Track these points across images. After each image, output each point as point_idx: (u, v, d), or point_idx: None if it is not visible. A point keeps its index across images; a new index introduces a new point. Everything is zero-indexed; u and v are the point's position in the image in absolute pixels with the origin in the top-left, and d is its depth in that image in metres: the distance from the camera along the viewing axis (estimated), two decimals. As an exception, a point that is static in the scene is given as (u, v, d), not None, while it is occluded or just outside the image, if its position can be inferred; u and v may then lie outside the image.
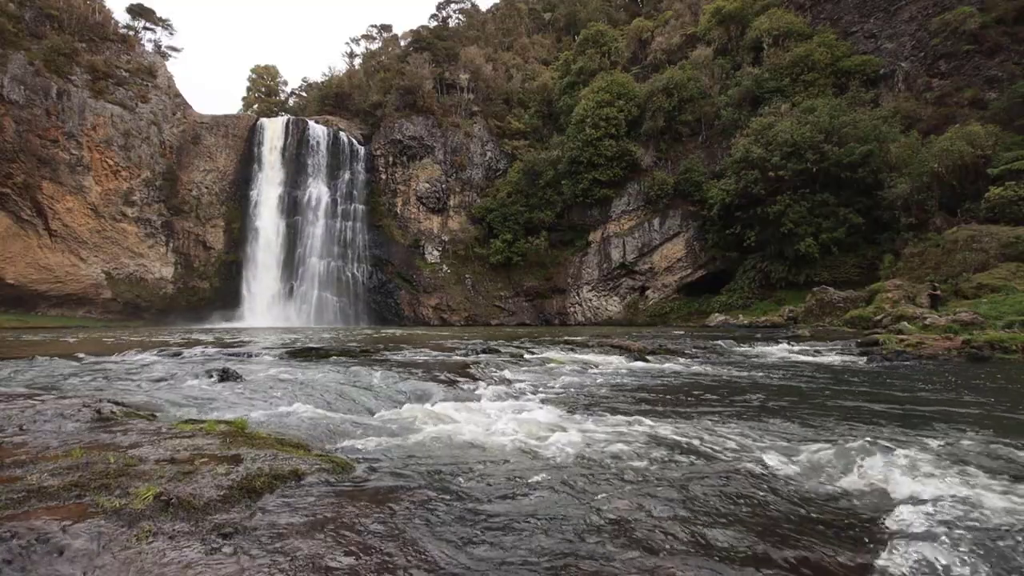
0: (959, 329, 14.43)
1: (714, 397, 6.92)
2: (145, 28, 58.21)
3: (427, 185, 55.49)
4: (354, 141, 56.34)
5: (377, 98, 58.78)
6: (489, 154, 57.94)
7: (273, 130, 54.46)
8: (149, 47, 57.31)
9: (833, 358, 12.16)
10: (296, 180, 53.25)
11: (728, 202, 40.29)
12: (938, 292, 21.44)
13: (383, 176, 55.99)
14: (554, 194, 51.00)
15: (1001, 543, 2.38)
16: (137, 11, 56.95)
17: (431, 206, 55.38)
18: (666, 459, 3.77)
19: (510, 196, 52.97)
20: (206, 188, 52.63)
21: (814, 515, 2.77)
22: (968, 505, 2.79)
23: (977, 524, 2.57)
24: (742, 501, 2.90)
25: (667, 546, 2.35)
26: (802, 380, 8.66)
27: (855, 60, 41.20)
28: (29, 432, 3.57)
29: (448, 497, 2.89)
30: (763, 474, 3.39)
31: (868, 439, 4.38)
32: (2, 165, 42.22)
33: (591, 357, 11.73)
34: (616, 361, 11.30)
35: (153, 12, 58.67)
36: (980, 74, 35.14)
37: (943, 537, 2.44)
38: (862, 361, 11.51)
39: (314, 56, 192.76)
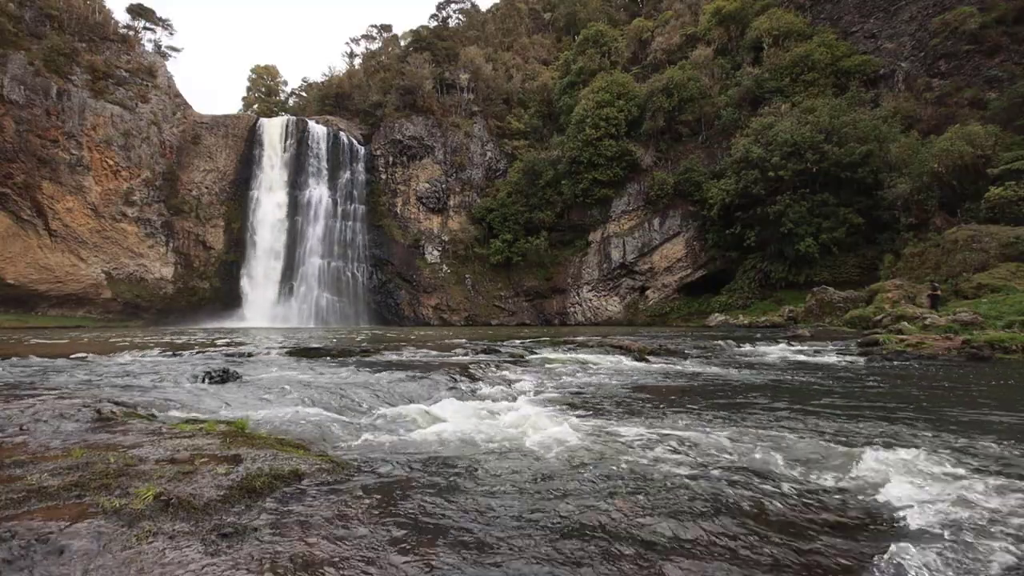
0: (959, 329, 14.43)
1: (713, 397, 6.93)
2: (145, 28, 58.25)
3: (427, 185, 55.49)
4: (354, 141, 56.35)
5: (377, 98, 58.80)
6: (489, 154, 57.94)
7: (273, 130, 54.47)
8: (149, 47, 57.39)
9: (833, 358, 12.16)
10: (296, 180, 53.26)
11: (728, 202, 40.31)
12: (938, 292, 21.42)
13: (383, 176, 55.99)
14: (554, 194, 51.00)
15: (999, 543, 2.38)
16: (137, 11, 56.97)
17: (431, 206, 55.38)
18: (665, 459, 3.77)
19: (510, 196, 52.98)
20: (206, 188, 52.63)
21: (813, 515, 2.77)
22: (967, 505, 2.79)
23: (976, 524, 2.57)
24: (741, 500, 2.90)
25: (666, 545, 2.35)
26: (801, 380, 8.66)
27: (855, 60, 41.23)
28: (29, 432, 3.57)
29: (448, 497, 2.89)
30: (762, 474, 3.40)
31: (867, 439, 4.38)
32: (2, 165, 42.24)
33: (591, 357, 11.72)
34: (616, 361, 11.29)
35: (153, 12, 58.73)
36: (980, 74, 35.16)
37: (941, 537, 2.44)
38: (862, 361, 11.50)
39: (314, 56, 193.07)
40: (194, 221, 51.69)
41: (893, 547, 2.36)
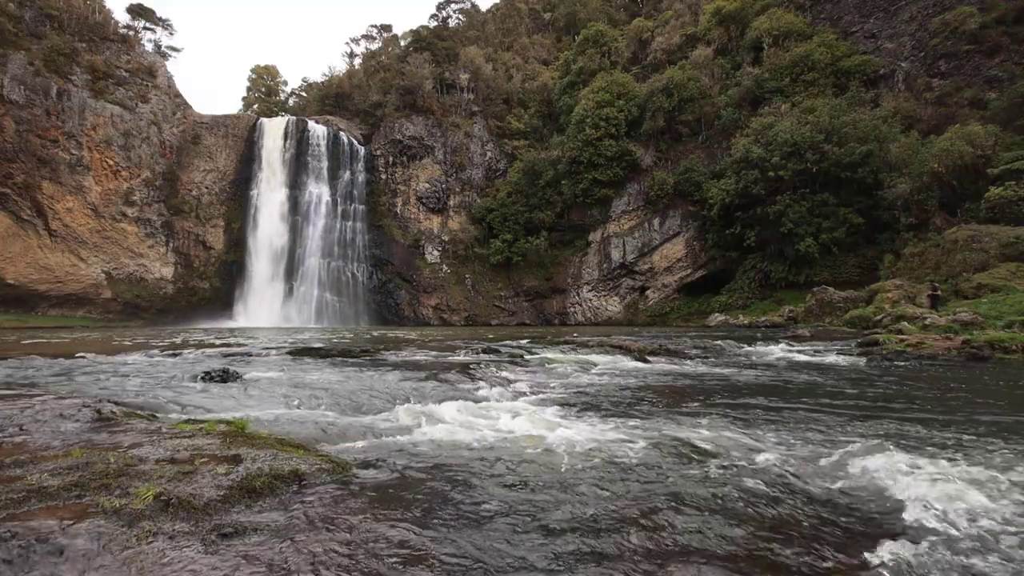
0: (959, 329, 14.42)
1: (714, 397, 6.92)
2: (145, 28, 58.22)
3: (427, 185, 55.49)
4: (354, 141, 56.34)
5: (377, 98, 58.78)
6: (489, 154, 57.94)
7: (273, 130, 54.46)
8: (149, 47, 57.36)
9: (833, 358, 12.15)
10: (296, 180, 53.26)
11: (728, 202, 40.30)
12: (938, 292, 21.41)
13: (383, 176, 55.98)
14: (554, 194, 51.00)
15: (1001, 543, 2.38)
16: (137, 11, 56.95)
17: (431, 206, 55.37)
18: (666, 459, 3.77)
19: (510, 196, 52.97)
20: (206, 188, 52.62)
21: (814, 515, 2.77)
22: (968, 505, 2.79)
23: (977, 524, 2.57)
24: (742, 501, 2.90)
25: (668, 546, 2.35)
26: (802, 380, 8.66)
27: (855, 60, 41.23)
28: (29, 432, 3.57)
29: (447, 497, 2.89)
30: (763, 474, 3.39)
31: (868, 439, 4.38)
32: (2, 165, 42.24)
33: (591, 357, 11.72)
34: (616, 361, 11.29)
35: (153, 12, 58.71)
36: (980, 74, 35.15)
37: (943, 537, 2.44)
38: (862, 361, 11.49)
39: (314, 56, 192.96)
40: (194, 221, 51.69)
41: (894, 547, 2.35)
